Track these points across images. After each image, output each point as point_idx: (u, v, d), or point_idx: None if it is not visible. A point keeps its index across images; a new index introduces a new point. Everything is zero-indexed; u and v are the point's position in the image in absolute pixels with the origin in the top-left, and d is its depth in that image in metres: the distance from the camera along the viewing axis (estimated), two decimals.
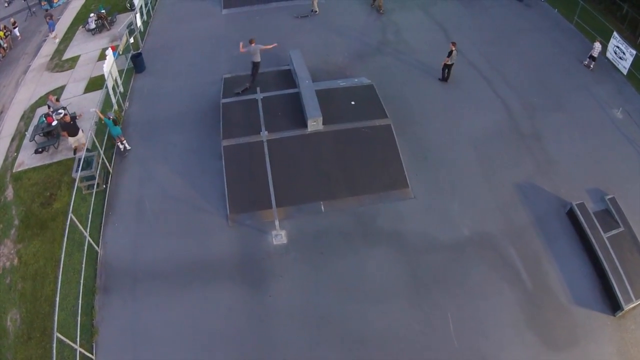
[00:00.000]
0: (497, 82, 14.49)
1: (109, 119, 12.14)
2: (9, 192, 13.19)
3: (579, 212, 10.06)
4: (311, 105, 11.23)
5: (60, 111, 14.31)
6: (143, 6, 18.30)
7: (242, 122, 11.58)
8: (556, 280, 9.47)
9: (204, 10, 18.91)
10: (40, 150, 13.74)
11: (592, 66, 14.99)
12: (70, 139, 12.37)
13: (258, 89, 12.53)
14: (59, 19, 21.75)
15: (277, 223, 10.01)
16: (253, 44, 12.49)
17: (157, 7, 19.82)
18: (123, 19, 20.26)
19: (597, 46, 14.77)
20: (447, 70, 14.26)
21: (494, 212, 10.69)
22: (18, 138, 15.04)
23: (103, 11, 19.68)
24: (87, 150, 11.64)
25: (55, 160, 13.55)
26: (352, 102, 12.16)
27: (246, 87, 12.86)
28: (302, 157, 11.00)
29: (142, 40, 17.40)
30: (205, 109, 13.64)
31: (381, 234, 10.37)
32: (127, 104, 14.37)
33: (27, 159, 13.97)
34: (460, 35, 16.24)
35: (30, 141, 14.04)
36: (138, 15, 17.19)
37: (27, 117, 15.92)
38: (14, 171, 13.76)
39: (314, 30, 17.16)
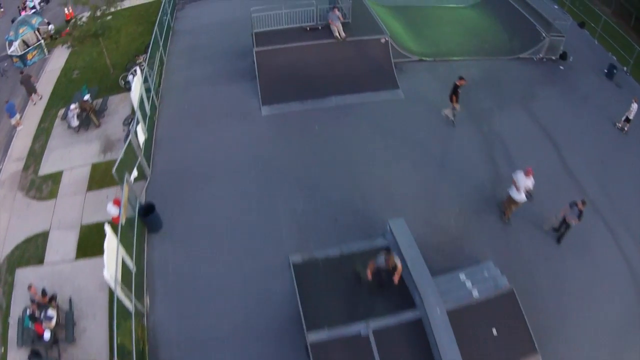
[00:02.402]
0: (619, 232, 10.91)
1: None
2: None
3: None
4: None
5: (50, 314, 9.73)
6: (145, 101, 12.88)
7: None
8: None
9: (234, 105, 13.82)
10: None
11: (626, 129, 13.77)
12: None
13: (366, 325, 8.05)
14: (35, 86, 16.39)
15: None
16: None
17: (162, 91, 14.66)
18: (117, 105, 15.17)
19: (635, 107, 13.62)
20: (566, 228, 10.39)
21: None
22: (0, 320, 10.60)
23: (87, 98, 14.51)
24: None
25: None
26: (494, 330, 8.11)
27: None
28: None
29: (148, 162, 12.20)
30: (279, 325, 9.01)
31: None
32: (147, 300, 9.69)
33: None
34: (570, 148, 12.87)
35: (19, 348, 9.69)
36: (140, 129, 11.74)
37: (4, 280, 11.28)
38: None
39: (398, 155, 12.29)
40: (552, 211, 10.60)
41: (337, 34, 14.36)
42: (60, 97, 16.13)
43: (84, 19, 15.82)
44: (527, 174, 10.33)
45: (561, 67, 16.23)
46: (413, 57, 15.46)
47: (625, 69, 16.63)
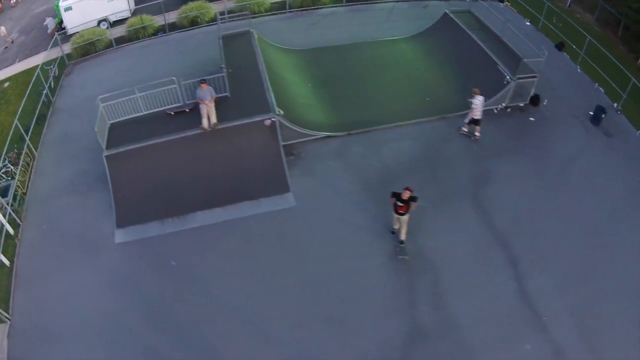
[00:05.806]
0: None
1: None
2: None
3: None
4: None
5: None
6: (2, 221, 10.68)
7: None
8: None
9: (88, 227, 10.82)
10: None
11: (477, 134, 11.40)
12: None
13: None
14: None
15: None
16: None
17: (28, 202, 11.80)
18: None
19: (478, 101, 11.40)
20: None
21: None
22: None
23: None
24: None
25: None
26: None
27: None
28: None
29: (7, 302, 9.79)
30: None
31: None
32: None
33: None
34: (535, 267, 9.15)
35: None
36: None
37: None
38: None
39: (281, 301, 9.15)
40: None
41: (205, 121, 10.83)
42: None
43: None
44: None
45: (531, 119, 11.78)
46: (317, 134, 11.54)
47: (615, 105, 12.25)
